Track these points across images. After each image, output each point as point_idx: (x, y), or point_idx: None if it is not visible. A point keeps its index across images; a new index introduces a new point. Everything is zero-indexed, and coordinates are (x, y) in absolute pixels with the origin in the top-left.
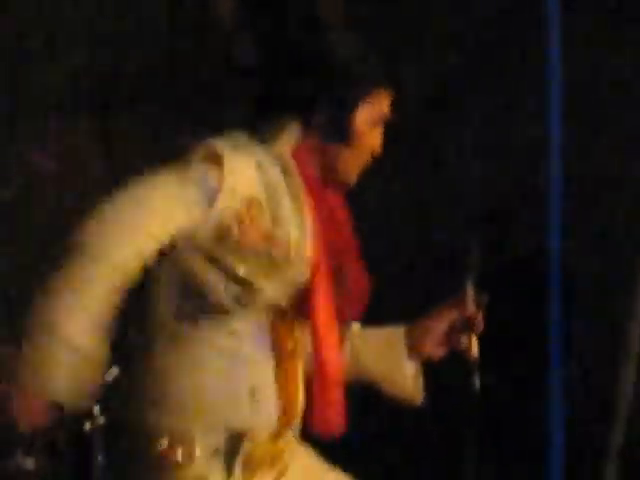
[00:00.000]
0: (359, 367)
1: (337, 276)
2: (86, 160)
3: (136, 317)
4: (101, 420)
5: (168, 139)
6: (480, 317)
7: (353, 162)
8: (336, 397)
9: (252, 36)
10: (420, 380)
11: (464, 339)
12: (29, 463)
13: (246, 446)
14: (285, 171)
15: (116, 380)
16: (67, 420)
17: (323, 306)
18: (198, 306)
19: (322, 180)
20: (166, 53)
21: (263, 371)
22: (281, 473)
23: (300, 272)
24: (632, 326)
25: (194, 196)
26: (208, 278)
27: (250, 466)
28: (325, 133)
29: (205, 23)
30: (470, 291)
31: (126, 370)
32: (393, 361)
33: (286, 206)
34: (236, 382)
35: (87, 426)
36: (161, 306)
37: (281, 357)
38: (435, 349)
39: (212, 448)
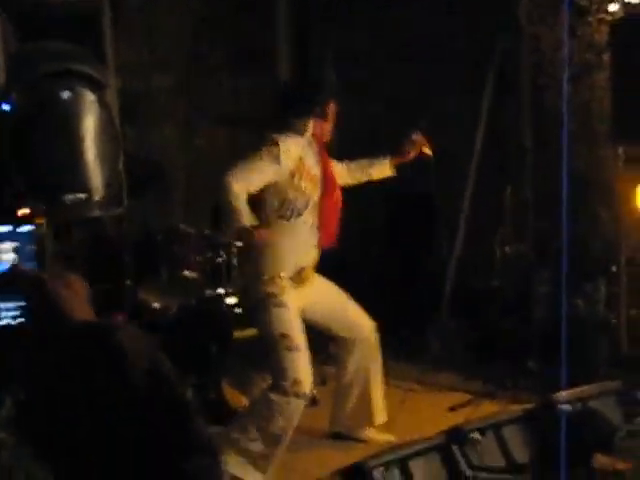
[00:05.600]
0: (370, 176)
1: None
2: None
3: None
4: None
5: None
6: (424, 141)
7: (327, 129)
8: (333, 227)
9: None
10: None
11: (425, 149)
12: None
13: (302, 273)
14: (310, 143)
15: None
16: None
17: (327, 200)
18: (288, 209)
19: (321, 142)
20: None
21: (312, 238)
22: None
23: (318, 187)
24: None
25: (270, 163)
26: (291, 197)
27: (302, 280)
28: (318, 118)
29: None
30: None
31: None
32: (386, 166)
33: (311, 159)
34: (303, 242)
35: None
36: (270, 208)
37: (315, 230)
38: (411, 155)
39: (289, 276)
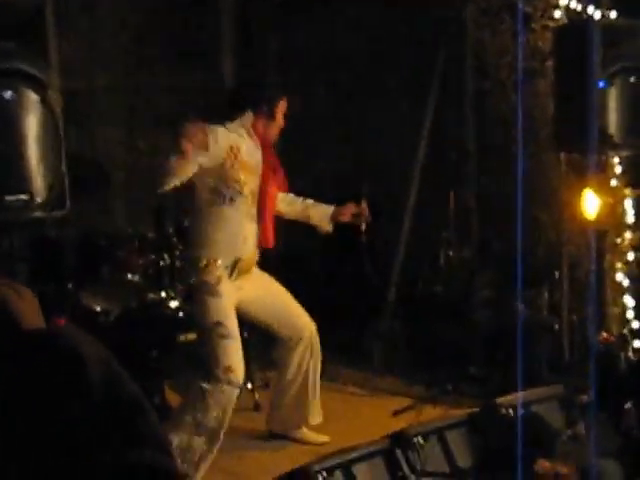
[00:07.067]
0: (307, 217)
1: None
2: None
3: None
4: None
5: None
6: (366, 211)
7: (274, 130)
8: (269, 228)
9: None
10: (331, 224)
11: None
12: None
13: (239, 263)
14: (249, 133)
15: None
16: None
17: (267, 191)
18: (219, 196)
19: (263, 138)
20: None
21: (247, 227)
22: (250, 274)
23: (257, 177)
24: None
25: (197, 149)
26: (221, 184)
27: (239, 272)
28: (264, 116)
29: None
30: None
31: (190, 225)
32: (326, 216)
33: (246, 149)
34: (239, 232)
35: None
36: (202, 195)
37: (252, 219)
38: (345, 220)
39: (225, 265)
